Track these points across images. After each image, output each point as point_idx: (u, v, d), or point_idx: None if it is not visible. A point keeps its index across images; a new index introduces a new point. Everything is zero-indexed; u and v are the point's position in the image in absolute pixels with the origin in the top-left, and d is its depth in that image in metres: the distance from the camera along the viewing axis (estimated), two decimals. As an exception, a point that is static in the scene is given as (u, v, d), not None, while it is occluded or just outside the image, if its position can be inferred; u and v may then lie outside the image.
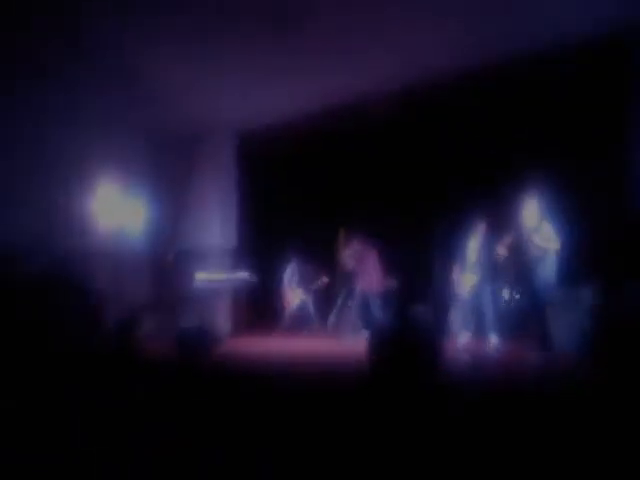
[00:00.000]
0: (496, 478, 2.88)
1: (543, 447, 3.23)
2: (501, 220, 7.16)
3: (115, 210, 8.84)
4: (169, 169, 9.78)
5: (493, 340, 7.30)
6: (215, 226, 9.90)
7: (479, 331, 7.53)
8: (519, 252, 6.85)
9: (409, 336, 5.34)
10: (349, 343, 7.76)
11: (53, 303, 6.35)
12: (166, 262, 9.21)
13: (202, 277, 8.93)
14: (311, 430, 3.67)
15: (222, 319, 9.08)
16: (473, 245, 7.75)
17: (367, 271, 8.45)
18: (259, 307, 9.48)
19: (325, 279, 9.24)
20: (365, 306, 8.39)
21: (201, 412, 4.09)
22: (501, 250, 7.12)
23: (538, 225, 6.47)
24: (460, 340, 7.55)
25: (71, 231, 7.98)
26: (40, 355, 5.42)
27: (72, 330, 6.39)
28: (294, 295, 9.32)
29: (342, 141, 9.28)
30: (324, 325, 9.17)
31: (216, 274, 9.14)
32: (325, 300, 9.33)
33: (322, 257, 9.27)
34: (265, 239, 9.60)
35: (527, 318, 7.03)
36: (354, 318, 8.50)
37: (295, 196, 9.67)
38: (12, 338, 5.60)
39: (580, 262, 6.74)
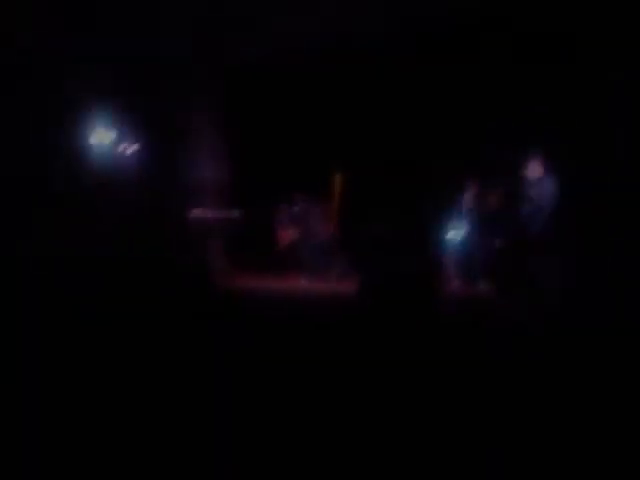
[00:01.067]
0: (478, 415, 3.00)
1: (528, 384, 3.37)
2: (497, 170, 7.19)
3: (106, 148, 8.77)
4: (159, 105, 9.59)
5: (483, 286, 7.50)
6: (208, 163, 9.80)
7: (470, 277, 7.71)
8: (512, 203, 6.92)
9: (404, 279, 5.47)
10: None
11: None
12: (161, 198, 9.18)
13: (195, 214, 8.94)
14: (303, 365, 3.78)
15: (215, 257, 9.10)
16: (467, 194, 7.85)
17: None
18: (251, 246, 9.50)
19: (315, 218, 9.18)
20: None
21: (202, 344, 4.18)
22: (491, 201, 7.20)
23: (537, 181, 6.51)
24: (452, 285, 7.72)
25: (67, 170, 7.95)
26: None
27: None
28: (286, 234, 9.30)
29: (339, 76, 9.12)
30: (317, 266, 9.23)
31: (209, 211, 9.14)
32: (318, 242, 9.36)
33: (316, 197, 9.25)
34: (259, 177, 9.53)
35: (516, 266, 7.16)
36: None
37: (290, 133, 9.54)
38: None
39: (568, 215, 6.83)
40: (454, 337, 4.39)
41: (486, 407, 3.11)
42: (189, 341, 4.28)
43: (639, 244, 6.22)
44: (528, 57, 7.74)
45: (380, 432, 2.77)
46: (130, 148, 9.38)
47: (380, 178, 8.66)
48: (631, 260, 6.02)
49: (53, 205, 7.41)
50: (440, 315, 4.96)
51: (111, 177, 8.77)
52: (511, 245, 7.65)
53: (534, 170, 6.52)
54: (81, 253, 6.79)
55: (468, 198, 7.88)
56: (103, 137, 8.76)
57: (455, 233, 7.87)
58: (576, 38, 7.39)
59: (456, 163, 7.86)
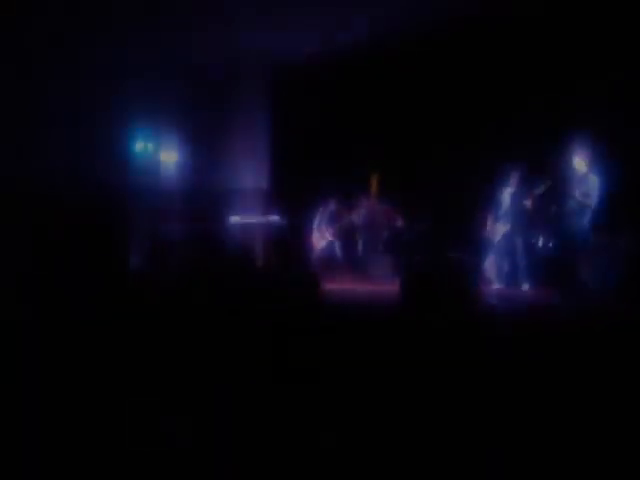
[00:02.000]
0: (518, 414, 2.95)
1: (571, 387, 3.30)
2: (538, 169, 7.04)
3: (152, 149, 8.93)
4: (203, 108, 9.74)
5: (525, 288, 7.35)
6: (248, 168, 9.90)
7: (512, 279, 7.58)
8: (552, 202, 6.78)
9: (444, 280, 5.42)
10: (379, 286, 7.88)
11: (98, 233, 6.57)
12: (200, 203, 9.31)
13: (235, 220, 9.04)
14: (347, 364, 3.78)
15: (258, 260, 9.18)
16: (507, 192, 7.72)
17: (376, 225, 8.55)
18: (289, 250, 9.55)
19: (351, 218, 9.17)
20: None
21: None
22: (529, 202, 7.06)
23: (583, 176, 6.34)
24: (493, 287, 7.60)
25: (112, 171, 8.13)
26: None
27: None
28: (322, 237, 9.33)
29: (379, 81, 9.12)
30: (353, 268, 9.23)
31: (249, 217, 9.24)
32: (354, 244, 9.36)
33: (354, 200, 9.25)
34: (297, 181, 9.58)
35: (559, 267, 7.01)
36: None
37: (329, 137, 9.56)
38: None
39: (616, 212, 6.66)
40: (491, 339, 4.33)
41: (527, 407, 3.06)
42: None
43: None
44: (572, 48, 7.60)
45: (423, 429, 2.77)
46: (173, 156, 9.56)
47: (418, 177, 8.61)
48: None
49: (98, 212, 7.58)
50: (479, 317, 4.89)
51: (154, 185, 8.95)
52: (555, 245, 7.52)
53: (578, 166, 6.35)
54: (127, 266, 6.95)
55: (509, 196, 7.75)
56: (146, 145, 8.94)
57: (496, 232, 7.76)
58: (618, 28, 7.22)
59: (496, 160, 7.74)
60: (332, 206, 9.31)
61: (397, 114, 9.13)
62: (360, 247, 9.19)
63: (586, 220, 6.24)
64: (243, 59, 9.60)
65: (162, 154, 9.21)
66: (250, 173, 9.87)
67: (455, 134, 8.55)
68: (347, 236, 9.38)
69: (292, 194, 9.52)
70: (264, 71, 9.99)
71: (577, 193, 6.29)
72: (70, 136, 7.68)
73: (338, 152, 9.42)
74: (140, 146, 8.85)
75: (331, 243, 9.31)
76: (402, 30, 8.36)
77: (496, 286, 7.62)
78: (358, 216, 9.05)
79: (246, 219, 9.25)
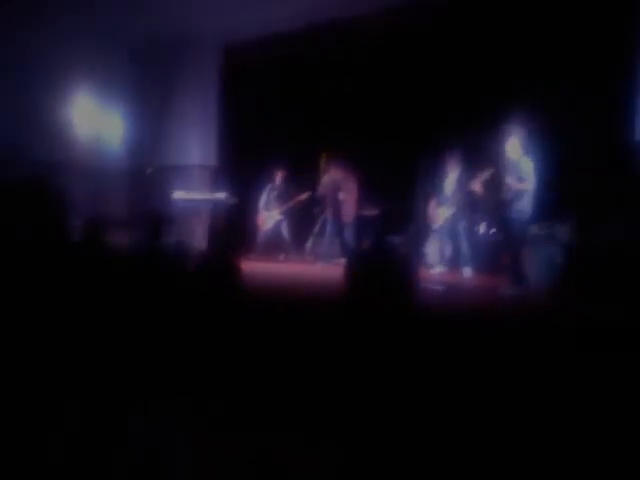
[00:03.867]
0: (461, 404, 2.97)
1: (510, 378, 3.32)
2: (480, 154, 7.07)
3: (93, 121, 8.61)
4: (150, 80, 9.47)
5: (466, 273, 7.43)
6: (195, 143, 9.69)
7: (453, 264, 7.65)
8: (495, 187, 6.82)
9: (384, 264, 5.41)
10: (324, 268, 7.85)
11: (27, 211, 6.25)
12: (144, 177, 9.06)
13: (180, 195, 8.83)
14: (290, 352, 3.72)
15: (198, 240, 9.03)
16: (450, 178, 7.77)
17: (345, 199, 8.46)
18: (236, 229, 9.41)
19: (301, 197, 9.07)
20: (340, 233, 8.47)
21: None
22: (476, 186, 7.10)
23: (517, 162, 6.37)
24: (434, 271, 7.66)
25: (49, 141, 7.79)
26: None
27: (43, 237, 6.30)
28: (268, 217, 9.22)
29: (330, 60, 9.02)
30: (300, 249, 9.18)
31: (194, 193, 9.04)
32: (303, 224, 9.29)
33: (302, 180, 9.16)
34: (245, 158, 9.43)
35: (501, 252, 7.10)
36: (328, 245, 8.57)
37: (278, 115, 9.43)
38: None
39: (557, 199, 6.76)
40: (432, 325, 4.34)
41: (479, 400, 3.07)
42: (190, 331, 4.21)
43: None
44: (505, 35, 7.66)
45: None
46: (118, 130, 9.26)
47: (366, 161, 8.56)
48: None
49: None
50: (416, 301, 4.89)
51: (98, 162, 8.65)
52: (496, 233, 7.61)
53: (512, 151, 6.38)
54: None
55: (451, 182, 7.80)
56: (87, 111, 8.60)
57: (439, 217, 7.81)
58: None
59: (440, 144, 7.76)
60: (280, 184, 9.20)
61: (346, 94, 9.06)
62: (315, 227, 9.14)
63: (524, 206, 6.28)
64: (193, 34, 9.36)
65: (105, 128, 8.90)
66: (197, 149, 9.66)
67: (401, 117, 8.53)
68: (295, 215, 9.30)
69: (239, 171, 9.37)
70: (214, 46, 9.76)
71: (511, 179, 6.31)
72: (3, 107, 7.30)
73: (287, 130, 9.32)
74: (82, 120, 8.51)
75: (278, 223, 9.20)
76: (350, 10, 8.28)
77: (438, 270, 7.69)
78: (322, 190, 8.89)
79: (191, 195, 9.04)
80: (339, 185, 8.52)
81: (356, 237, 8.37)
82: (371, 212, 8.68)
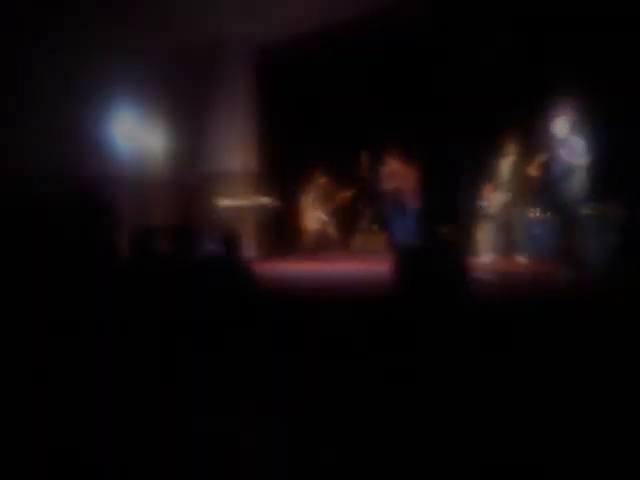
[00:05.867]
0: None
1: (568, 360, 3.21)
2: (535, 138, 6.89)
3: (136, 134, 8.76)
4: (186, 88, 9.56)
5: (522, 260, 7.28)
6: (236, 149, 9.75)
7: (508, 251, 7.50)
8: (549, 170, 6.64)
9: (435, 256, 5.31)
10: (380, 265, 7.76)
11: (79, 225, 6.43)
12: (188, 187, 9.17)
13: (224, 202, 8.91)
14: (339, 347, 3.70)
15: (245, 245, 9.07)
16: (505, 164, 7.61)
17: (408, 190, 8.31)
18: (282, 231, 9.45)
19: (345, 195, 9.02)
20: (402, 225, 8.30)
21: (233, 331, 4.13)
22: (532, 170, 6.91)
23: (566, 139, 6.17)
24: (488, 259, 7.51)
25: (94, 157, 7.97)
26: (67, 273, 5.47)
27: (97, 251, 6.46)
28: (315, 217, 9.21)
29: (368, 57, 8.96)
30: (347, 247, 9.15)
31: (238, 199, 9.11)
32: (348, 223, 9.26)
33: (345, 178, 9.12)
34: (287, 162, 9.44)
35: (556, 237, 6.90)
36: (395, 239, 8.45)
37: (316, 115, 9.42)
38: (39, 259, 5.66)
39: (610, 178, 6.53)
40: (484, 311, 4.25)
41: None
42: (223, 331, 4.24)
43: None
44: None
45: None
46: (159, 141, 9.38)
47: (407, 156, 8.44)
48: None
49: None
50: (471, 289, 4.79)
51: (136, 168, 8.79)
52: (552, 215, 7.40)
53: (561, 130, 6.18)
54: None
55: (506, 167, 7.64)
56: (129, 126, 8.75)
57: (495, 203, 7.67)
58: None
59: (493, 129, 7.62)
60: (323, 184, 9.18)
61: (384, 90, 8.99)
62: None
63: (576, 186, 6.08)
64: (227, 41, 9.42)
65: (147, 140, 9.04)
66: (238, 156, 9.71)
67: (448, 104, 8.40)
68: (342, 214, 9.29)
69: (282, 175, 9.39)
70: (248, 53, 9.80)
71: (563, 155, 6.11)
72: (45, 126, 7.48)
73: (326, 129, 9.30)
74: (124, 133, 8.67)
75: (324, 223, 9.19)
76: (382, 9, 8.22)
77: (492, 258, 7.54)
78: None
79: (236, 202, 9.12)
80: (402, 175, 8.36)
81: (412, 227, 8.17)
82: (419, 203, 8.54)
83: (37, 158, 7.23)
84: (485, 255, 7.61)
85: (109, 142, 8.49)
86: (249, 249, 9.13)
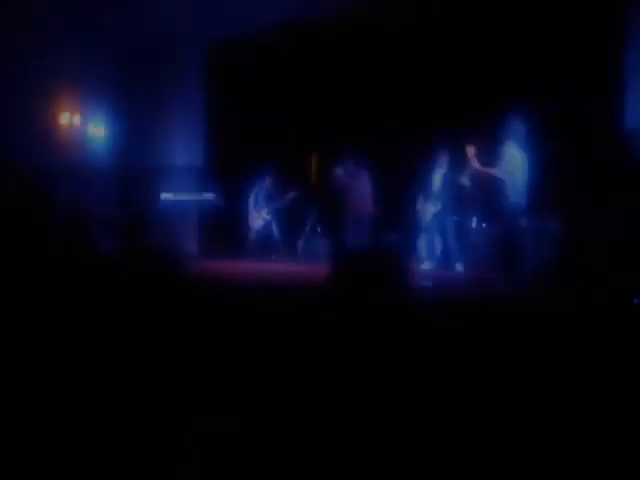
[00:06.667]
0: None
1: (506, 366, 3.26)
2: (467, 147, 7.02)
3: (81, 125, 8.54)
4: (135, 80, 9.36)
5: (458, 268, 7.38)
6: (182, 144, 9.60)
7: (444, 259, 7.60)
8: (484, 180, 6.79)
9: (376, 259, 5.34)
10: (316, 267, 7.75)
11: (16, 213, 6.20)
12: (131, 180, 8.97)
13: (167, 197, 8.76)
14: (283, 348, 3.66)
15: (187, 241, 8.94)
16: (437, 173, 7.72)
17: (359, 194, 8.25)
18: (225, 230, 9.32)
19: (290, 196, 8.98)
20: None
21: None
22: (464, 180, 7.06)
23: (506, 155, 6.33)
24: (424, 267, 7.59)
25: (35, 144, 7.73)
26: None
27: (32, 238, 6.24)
28: (258, 217, 9.11)
29: (317, 57, 8.96)
30: (290, 249, 9.10)
31: (181, 194, 8.97)
32: (292, 224, 9.21)
33: (291, 179, 9.09)
34: (232, 159, 9.34)
35: (493, 246, 7.06)
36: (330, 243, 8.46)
37: (265, 114, 9.36)
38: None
39: (548, 192, 6.73)
40: (419, 318, 4.28)
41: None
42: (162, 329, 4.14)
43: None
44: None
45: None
46: (101, 131, 9.16)
47: (351, 159, 8.46)
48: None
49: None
50: (407, 296, 4.83)
51: (83, 162, 8.56)
52: (487, 226, 7.56)
53: (503, 145, 6.33)
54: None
55: (440, 176, 7.74)
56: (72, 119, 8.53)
57: (427, 212, 7.76)
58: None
59: (427, 140, 7.71)
60: (268, 184, 9.09)
61: (332, 93, 8.98)
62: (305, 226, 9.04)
63: (515, 198, 6.25)
64: (178, 34, 9.28)
65: (89, 129, 8.80)
66: (184, 150, 9.57)
67: (388, 114, 8.46)
68: (286, 215, 9.21)
69: (227, 172, 9.28)
70: (199, 47, 9.68)
71: (500, 171, 6.28)
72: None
73: (274, 129, 9.23)
74: (65, 120, 8.42)
75: (268, 223, 9.09)
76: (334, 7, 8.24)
77: (428, 266, 7.63)
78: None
79: (179, 197, 8.97)
80: (354, 179, 8.31)
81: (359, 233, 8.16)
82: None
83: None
84: (425, 263, 7.71)
85: (51, 128, 8.25)
86: (190, 246, 9.02)
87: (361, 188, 8.10)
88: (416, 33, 8.25)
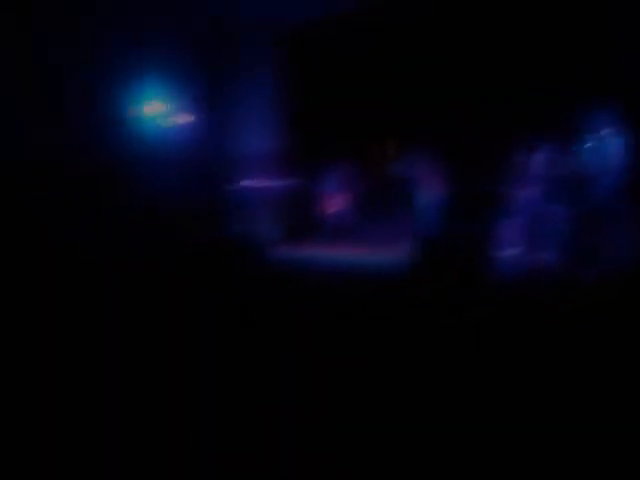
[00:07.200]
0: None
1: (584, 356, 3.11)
2: (565, 134, 6.72)
3: (160, 115, 8.74)
4: (215, 68, 9.50)
5: (547, 255, 7.13)
6: (261, 131, 9.68)
7: (533, 246, 7.35)
8: (579, 168, 6.50)
9: (457, 247, 5.22)
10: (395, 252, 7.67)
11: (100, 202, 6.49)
12: (211, 168, 9.14)
13: (246, 184, 8.87)
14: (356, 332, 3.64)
15: (266, 227, 9.05)
16: (534, 159, 7.44)
17: (425, 178, 8.18)
18: (304, 215, 9.40)
19: (368, 180, 8.93)
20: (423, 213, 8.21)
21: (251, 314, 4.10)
22: (557, 165, 6.77)
23: (602, 139, 6.00)
24: (511, 254, 7.36)
25: (118, 135, 7.98)
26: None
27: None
28: (336, 201, 9.13)
29: (397, 39, 8.76)
30: (368, 233, 9.06)
31: (261, 181, 9.07)
32: (370, 208, 9.15)
33: (367, 164, 9.01)
34: (310, 144, 9.34)
35: (582, 235, 6.74)
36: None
37: (343, 99, 9.28)
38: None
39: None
40: (503, 305, 4.13)
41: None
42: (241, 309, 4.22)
43: None
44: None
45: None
46: (184, 119, 9.35)
47: (437, 142, 8.28)
48: None
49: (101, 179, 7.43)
50: (492, 282, 4.69)
51: (162, 150, 8.77)
52: (579, 213, 7.23)
53: (600, 130, 6.01)
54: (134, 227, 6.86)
55: (536, 161, 7.47)
56: (155, 109, 8.74)
57: (521, 198, 7.50)
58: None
59: (521, 124, 7.42)
60: (344, 170, 9.09)
61: (414, 73, 8.78)
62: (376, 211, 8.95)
63: (607, 184, 5.92)
64: (253, 18, 9.33)
65: (171, 119, 9.00)
66: (263, 137, 9.64)
67: (481, 96, 8.18)
68: (362, 200, 9.19)
69: (306, 157, 9.31)
70: (276, 31, 9.68)
71: (595, 158, 5.98)
72: (70, 101, 7.46)
73: (352, 114, 9.15)
74: (149, 110, 8.64)
75: (344, 207, 9.12)
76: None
77: (516, 252, 7.39)
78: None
79: (259, 184, 9.08)
80: (419, 164, 8.24)
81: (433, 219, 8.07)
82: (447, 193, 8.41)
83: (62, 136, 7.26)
84: (510, 250, 7.46)
85: (134, 122, 8.49)
86: (273, 231, 9.13)
87: (438, 172, 7.99)
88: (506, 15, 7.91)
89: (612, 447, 2.32)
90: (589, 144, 6.17)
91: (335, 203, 9.10)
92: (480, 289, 4.69)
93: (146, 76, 8.52)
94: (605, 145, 6.04)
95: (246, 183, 8.89)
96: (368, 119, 8.99)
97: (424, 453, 2.37)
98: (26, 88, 7.01)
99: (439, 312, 4.13)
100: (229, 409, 2.75)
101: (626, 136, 6.00)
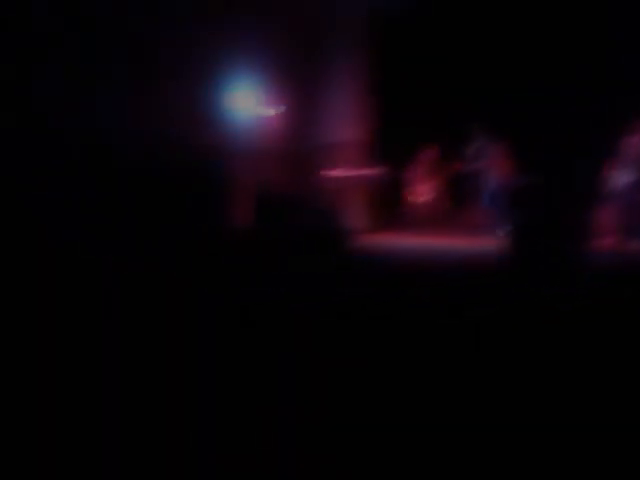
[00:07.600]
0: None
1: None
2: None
3: (250, 105, 8.93)
4: (299, 60, 9.58)
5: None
6: (347, 119, 9.71)
7: (632, 231, 7.04)
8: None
9: (552, 237, 5.08)
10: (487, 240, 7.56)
11: (194, 194, 6.74)
12: (298, 157, 9.27)
13: (334, 173, 8.94)
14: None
15: (354, 216, 9.10)
16: (632, 140, 7.09)
17: (493, 167, 8.02)
18: (391, 203, 9.38)
19: (455, 168, 8.76)
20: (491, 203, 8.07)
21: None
22: None
23: None
24: (607, 240, 7.07)
25: (210, 126, 8.22)
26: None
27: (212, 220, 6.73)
28: (424, 189, 9.06)
29: (482, 27, 8.54)
30: (458, 221, 8.95)
31: (348, 170, 9.11)
32: (459, 195, 9.02)
33: (456, 151, 8.86)
34: (397, 133, 9.29)
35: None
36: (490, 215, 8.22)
37: (429, 87, 9.17)
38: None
39: None
40: (598, 293, 4.00)
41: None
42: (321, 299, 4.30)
43: None
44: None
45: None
46: (273, 110, 9.52)
47: (527, 126, 8.02)
48: None
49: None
50: (585, 270, 4.54)
51: (252, 141, 8.97)
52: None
53: None
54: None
55: (633, 143, 7.12)
56: (245, 99, 8.94)
57: (618, 183, 7.18)
58: None
59: (615, 104, 7.06)
60: (433, 157, 9.01)
61: (504, 59, 8.52)
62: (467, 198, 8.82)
63: None
64: (338, 8, 9.32)
65: (260, 110, 9.18)
66: (348, 125, 9.66)
67: (572, 78, 7.85)
68: (451, 187, 9.08)
69: (393, 146, 9.27)
70: (360, 21, 9.64)
71: None
72: (164, 94, 7.72)
73: (438, 101, 9.02)
74: (239, 103, 8.86)
75: (433, 195, 9.04)
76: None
77: (612, 240, 7.10)
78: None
79: (346, 173, 9.14)
80: (486, 153, 8.09)
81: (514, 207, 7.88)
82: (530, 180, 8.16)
83: (157, 126, 7.56)
84: (607, 237, 7.18)
85: (224, 112, 8.71)
86: (358, 220, 9.18)
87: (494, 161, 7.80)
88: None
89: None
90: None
91: (423, 192, 9.03)
92: (577, 279, 4.55)
93: (239, 67, 8.72)
94: None
95: (335, 172, 8.97)
96: (460, 106, 8.84)
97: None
98: (129, 85, 7.36)
99: (534, 304, 4.06)
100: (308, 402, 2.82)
101: None
